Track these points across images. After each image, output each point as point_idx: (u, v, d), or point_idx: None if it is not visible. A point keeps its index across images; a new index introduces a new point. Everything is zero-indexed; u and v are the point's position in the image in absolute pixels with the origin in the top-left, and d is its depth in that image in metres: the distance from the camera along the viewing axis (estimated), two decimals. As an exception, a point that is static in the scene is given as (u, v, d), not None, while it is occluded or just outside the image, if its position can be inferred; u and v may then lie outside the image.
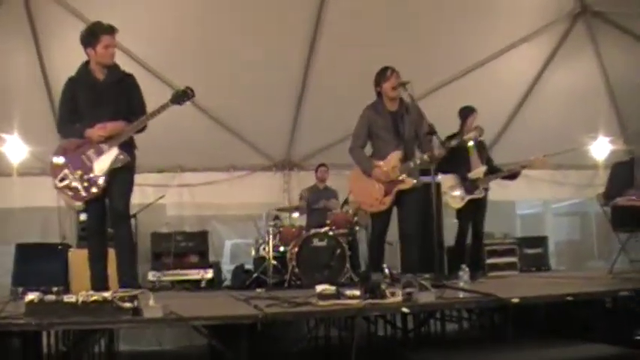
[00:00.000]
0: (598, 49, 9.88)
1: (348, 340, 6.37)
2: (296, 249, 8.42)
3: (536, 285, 6.64)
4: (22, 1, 7.97)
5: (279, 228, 9.09)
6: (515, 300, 4.59)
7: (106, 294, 3.96)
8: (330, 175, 9.85)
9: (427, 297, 4.61)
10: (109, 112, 5.32)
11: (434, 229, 5.99)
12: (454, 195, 7.69)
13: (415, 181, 6.19)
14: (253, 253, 9.55)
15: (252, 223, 9.78)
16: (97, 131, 5.23)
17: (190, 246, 9.60)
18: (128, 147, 5.43)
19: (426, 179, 6.22)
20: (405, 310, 4.54)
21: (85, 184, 5.27)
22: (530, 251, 10.16)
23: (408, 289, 4.62)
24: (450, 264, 7.95)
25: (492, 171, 7.82)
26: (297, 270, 8.31)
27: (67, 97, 5.43)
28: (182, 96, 5.34)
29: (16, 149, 8.99)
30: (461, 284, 5.66)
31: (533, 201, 11.97)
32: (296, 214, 9.56)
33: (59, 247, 8.47)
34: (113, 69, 5.48)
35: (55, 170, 5.31)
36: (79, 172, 5.28)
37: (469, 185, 7.63)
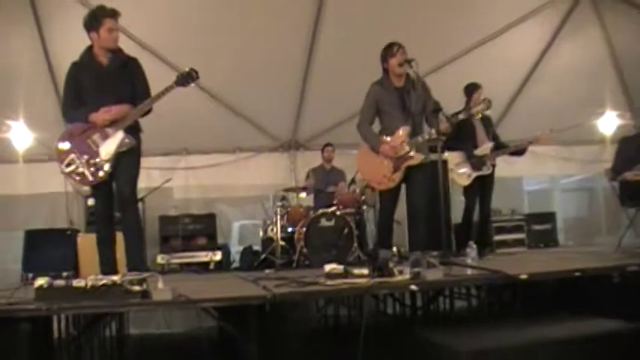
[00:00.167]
0: (604, 24, 9.81)
1: (357, 318, 6.39)
2: (304, 229, 8.43)
3: (545, 261, 6.64)
4: (24, -14, 7.96)
5: (286, 208, 9.10)
6: (524, 276, 4.60)
7: (115, 278, 3.98)
8: (336, 155, 9.83)
9: (435, 274, 4.62)
10: (114, 96, 5.30)
11: (441, 207, 5.95)
12: (461, 172, 7.67)
13: (424, 156, 6.17)
14: (261, 234, 9.55)
15: (260, 204, 9.79)
16: (101, 115, 5.22)
17: (198, 228, 9.64)
18: (134, 130, 5.41)
19: (433, 156, 6.19)
20: (413, 287, 4.55)
21: (92, 168, 5.27)
22: (538, 227, 10.16)
23: (416, 269, 4.63)
24: (457, 241, 7.95)
25: (499, 147, 7.80)
26: (305, 250, 8.34)
27: (71, 82, 5.40)
28: (186, 78, 5.31)
29: (22, 136, 8.99)
30: (469, 261, 5.66)
31: (540, 177, 11.92)
32: (304, 194, 9.54)
33: (68, 232, 8.51)
34: (117, 53, 5.45)
35: (61, 155, 5.30)
36: (86, 157, 5.27)
37: (476, 162, 7.61)
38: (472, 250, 6.05)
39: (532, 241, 9.73)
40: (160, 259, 9.12)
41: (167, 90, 5.27)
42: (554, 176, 11.87)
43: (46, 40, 8.43)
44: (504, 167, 8.45)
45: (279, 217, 8.82)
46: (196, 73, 5.34)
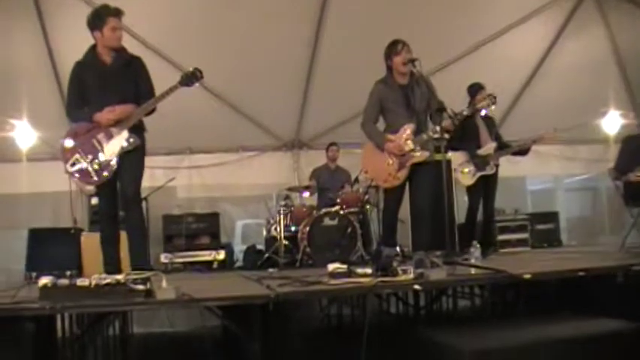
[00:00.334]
0: (608, 23, 9.81)
1: (361, 318, 6.40)
2: (307, 228, 8.43)
3: (548, 261, 6.63)
4: (27, -15, 7.97)
5: (289, 208, 9.10)
6: (527, 276, 4.59)
7: (119, 277, 3.98)
8: (340, 155, 9.82)
9: (439, 274, 4.62)
10: (118, 95, 5.30)
11: (445, 206, 5.96)
12: (465, 172, 7.67)
13: (428, 153, 6.17)
14: (264, 233, 9.57)
15: (263, 203, 9.80)
16: (105, 115, 5.23)
17: (202, 227, 9.64)
18: (138, 130, 5.42)
19: (437, 156, 6.19)
20: (416, 287, 4.54)
21: (96, 168, 5.28)
22: (541, 227, 10.15)
23: (420, 270, 4.63)
24: (461, 241, 7.95)
25: (502, 147, 7.80)
26: (308, 249, 8.34)
27: (75, 81, 5.41)
28: (191, 78, 5.32)
29: (25, 135, 9.00)
30: (472, 261, 5.67)
31: (543, 177, 11.91)
32: (306, 194, 9.54)
33: (71, 231, 8.51)
34: (121, 52, 5.46)
35: (65, 154, 5.31)
36: (90, 156, 5.27)
37: (479, 162, 7.61)
38: (475, 249, 6.07)
39: (535, 241, 9.72)
40: (164, 258, 9.12)
41: (171, 90, 5.28)
42: (557, 176, 11.86)
43: (49, 38, 8.44)
44: (508, 167, 8.43)
45: (282, 216, 8.81)
46: (200, 72, 5.34)
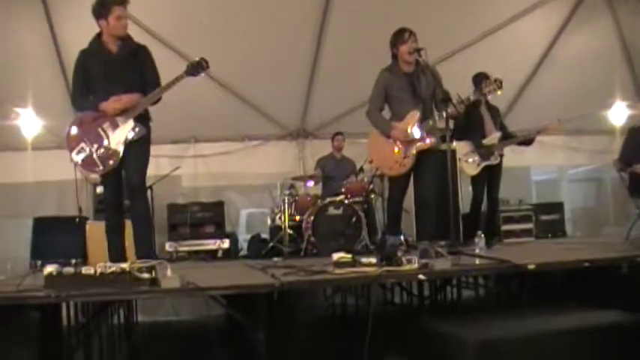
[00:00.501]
0: (615, 13, 9.75)
1: (365, 307, 6.41)
2: (312, 217, 8.42)
3: (553, 251, 6.64)
4: (32, -26, 7.96)
5: (294, 197, 9.11)
6: (532, 266, 4.59)
7: (124, 265, 3.99)
8: (345, 144, 9.82)
9: (443, 264, 4.62)
10: (123, 84, 5.30)
11: (450, 196, 5.95)
12: (469, 162, 7.66)
13: (435, 139, 6.16)
14: (269, 222, 9.58)
15: (268, 192, 9.81)
16: (111, 104, 5.22)
17: (206, 216, 9.64)
18: (143, 119, 5.42)
19: (443, 146, 6.17)
20: (421, 277, 4.54)
21: (102, 156, 5.29)
22: (545, 217, 10.15)
23: (424, 260, 4.64)
24: (465, 231, 7.95)
25: (507, 137, 7.79)
26: (313, 238, 8.33)
27: (80, 70, 5.40)
28: (197, 67, 5.31)
29: (30, 123, 8.99)
30: (477, 251, 5.67)
31: (548, 167, 11.89)
32: (310, 184, 9.54)
33: (76, 219, 8.52)
34: (126, 41, 5.44)
35: (71, 143, 5.32)
36: (96, 145, 5.28)
37: (484, 152, 7.60)
38: (480, 239, 6.06)
39: (540, 231, 9.73)
40: (169, 246, 9.15)
41: (177, 79, 5.27)
42: (562, 166, 11.83)
43: (54, 26, 8.41)
44: (512, 157, 8.43)
45: (287, 205, 8.82)
46: (206, 62, 5.33)
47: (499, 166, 7.71)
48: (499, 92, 6.55)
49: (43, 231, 8.42)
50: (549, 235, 9.93)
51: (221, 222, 9.72)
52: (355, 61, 8.68)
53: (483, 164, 7.61)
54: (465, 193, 8.34)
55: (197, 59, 5.34)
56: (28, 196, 9.42)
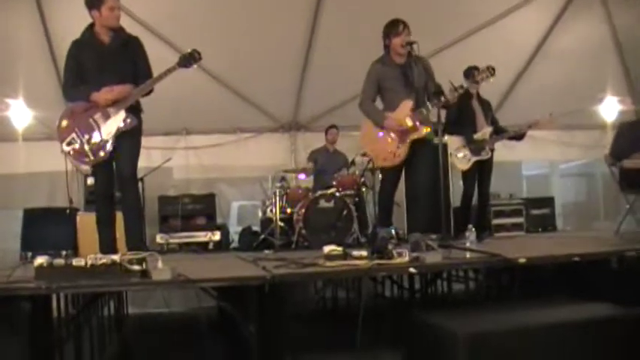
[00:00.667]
0: (607, 8, 9.76)
1: (356, 301, 6.42)
2: (303, 210, 8.43)
3: (543, 245, 6.66)
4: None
5: (285, 189, 9.11)
6: (522, 260, 4.60)
7: (115, 257, 3.98)
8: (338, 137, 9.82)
9: (434, 257, 4.63)
10: (115, 75, 5.28)
11: (441, 190, 5.96)
12: (460, 156, 7.66)
13: (428, 129, 6.15)
14: (260, 214, 9.58)
15: (259, 184, 9.80)
16: (103, 94, 5.20)
17: (197, 208, 9.62)
18: (135, 110, 5.40)
19: (435, 140, 6.17)
20: (412, 270, 4.55)
21: (93, 147, 5.26)
22: (536, 212, 10.17)
23: (416, 253, 4.64)
24: (456, 225, 7.97)
25: (498, 132, 7.80)
26: (304, 231, 8.33)
27: (72, 61, 5.38)
28: (189, 59, 5.30)
29: (21, 114, 8.96)
30: (467, 245, 5.68)
31: (539, 162, 11.92)
32: (302, 177, 9.53)
33: (67, 211, 8.49)
34: (118, 32, 5.43)
35: (62, 134, 5.29)
36: (87, 136, 5.25)
37: (475, 147, 7.61)
38: (471, 233, 6.07)
39: (530, 226, 9.75)
40: (159, 238, 9.12)
41: (169, 71, 5.26)
42: (553, 161, 11.85)
43: (46, 17, 8.36)
44: (503, 152, 8.45)
45: (278, 197, 8.82)
46: (199, 54, 5.33)
47: (490, 160, 7.72)
48: (492, 79, 6.57)
49: (33, 222, 8.39)
50: (540, 230, 9.95)
51: (212, 214, 9.70)
52: (348, 54, 8.65)
53: (474, 159, 7.61)
54: (456, 187, 8.36)
55: (189, 51, 5.33)
56: (19, 187, 9.39)
